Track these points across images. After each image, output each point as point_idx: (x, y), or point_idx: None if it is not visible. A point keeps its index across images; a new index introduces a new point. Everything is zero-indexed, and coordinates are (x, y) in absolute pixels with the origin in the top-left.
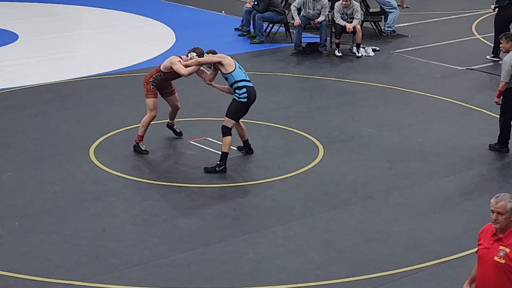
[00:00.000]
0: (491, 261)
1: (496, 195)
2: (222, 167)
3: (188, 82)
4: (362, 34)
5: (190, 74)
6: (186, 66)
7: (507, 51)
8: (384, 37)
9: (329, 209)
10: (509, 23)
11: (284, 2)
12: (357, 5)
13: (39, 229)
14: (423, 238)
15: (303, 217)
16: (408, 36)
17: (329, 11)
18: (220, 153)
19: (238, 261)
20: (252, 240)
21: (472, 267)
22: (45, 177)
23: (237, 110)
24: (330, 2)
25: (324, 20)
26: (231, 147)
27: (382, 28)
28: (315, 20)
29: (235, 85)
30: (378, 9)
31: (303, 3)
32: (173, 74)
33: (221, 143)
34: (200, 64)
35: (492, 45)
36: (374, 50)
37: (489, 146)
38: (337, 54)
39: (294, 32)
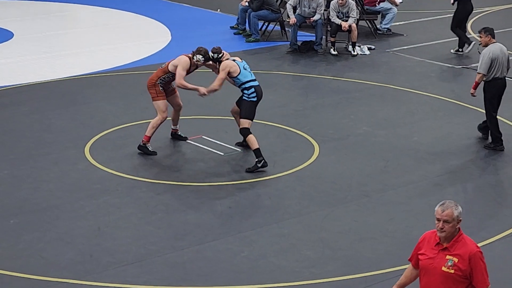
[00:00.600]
0: (439, 272)
1: (441, 202)
2: (262, 161)
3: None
4: (358, 33)
5: (181, 87)
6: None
7: (486, 45)
8: (380, 35)
9: (324, 207)
10: (467, 17)
11: (279, 0)
12: (352, 3)
13: (34, 227)
14: (417, 237)
15: (298, 215)
16: (403, 35)
17: (324, 10)
18: (215, 151)
19: (233, 259)
20: (247, 238)
21: None
22: (40, 175)
23: (251, 110)
24: (325, 1)
25: (320, 18)
26: (229, 146)
27: (378, 26)
28: (311, 18)
29: (243, 86)
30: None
31: (299, 1)
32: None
33: (216, 141)
34: (221, 82)
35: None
36: (369, 49)
37: (484, 146)
38: (333, 52)
39: (290, 30)
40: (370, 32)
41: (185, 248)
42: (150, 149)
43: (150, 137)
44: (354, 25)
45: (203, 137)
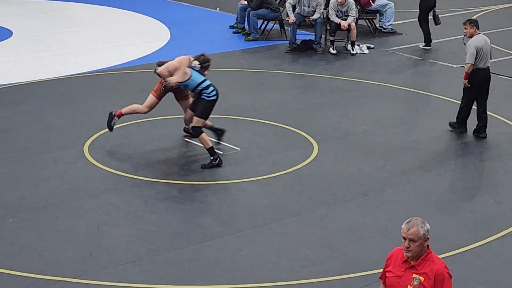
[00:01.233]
0: None
1: (407, 220)
2: (217, 160)
3: None
4: (357, 32)
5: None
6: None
7: (471, 36)
8: (380, 34)
9: (323, 207)
10: (430, 10)
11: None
12: (352, 2)
13: (33, 225)
14: None
15: (297, 215)
16: (402, 34)
17: (324, 9)
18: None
19: (232, 258)
20: (246, 237)
21: (466, 264)
22: (39, 174)
23: (207, 109)
24: (325, 0)
25: (319, 17)
26: (229, 145)
27: (377, 25)
28: (310, 17)
29: (200, 87)
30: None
31: (298, 0)
32: None
33: (215, 140)
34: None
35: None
36: (368, 48)
37: (449, 123)
38: (332, 51)
39: (289, 29)
40: (369, 31)
41: (184, 247)
42: (113, 123)
43: (122, 115)
44: (353, 24)
45: None
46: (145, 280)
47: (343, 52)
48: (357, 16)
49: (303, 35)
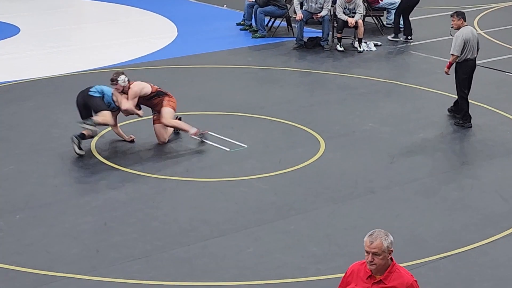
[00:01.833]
0: None
1: (370, 233)
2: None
3: (189, 77)
4: (364, 29)
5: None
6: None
7: (458, 28)
8: (387, 31)
9: (330, 204)
10: (412, 8)
11: None
12: (359, 0)
13: (40, 222)
14: (423, 233)
15: (304, 212)
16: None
17: (331, 6)
18: (221, 147)
19: (239, 255)
20: (253, 234)
21: (473, 262)
22: (46, 171)
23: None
24: None
25: (326, 14)
26: (235, 142)
27: (385, 23)
28: (317, 14)
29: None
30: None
31: None
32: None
33: (222, 137)
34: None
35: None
36: (375, 45)
37: (454, 123)
38: (339, 48)
39: (296, 26)
40: (376, 28)
41: (191, 244)
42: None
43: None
44: (360, 21)
45: (209, 132)
46: (152, 276)
47: (350, 49)
48: (364, 14)
49: (311, 32)
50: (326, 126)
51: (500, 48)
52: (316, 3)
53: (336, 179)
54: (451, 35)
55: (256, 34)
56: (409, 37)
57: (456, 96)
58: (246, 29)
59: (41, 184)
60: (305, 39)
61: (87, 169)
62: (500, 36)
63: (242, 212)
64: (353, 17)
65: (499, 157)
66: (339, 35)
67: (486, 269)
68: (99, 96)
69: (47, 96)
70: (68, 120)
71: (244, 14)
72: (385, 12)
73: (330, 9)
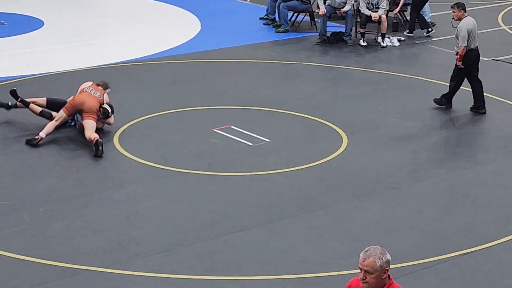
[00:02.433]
0: None
1: (366, 249)
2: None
3: (211, 71)
4: (387, 24)
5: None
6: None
7: (459, 19)
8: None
9: (352, 199)
10: (424, 3)
11: None
12: None
13: (63, 215)
14: (445, 229)
15: (326, 207)
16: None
17: (354, 1)
18: (243, 141)
19: (261, 250)
20: (275, 229)
21: (495, 258)
22: (69, 164)
23: None
24: None
25: (350, 9)
26: (258, 136)
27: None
28: (341, 9)
29: None
30: None
31: None
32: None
33: (245, 131)
34: None
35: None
36: (399, 40)
37: (434, 100)
38: (362, 43)
39: (319, 21)
40: (400, 23)
41: (213, 238)
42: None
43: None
44: (384, 16)
45: (232, 127)
46: (173, 270)
47: (374, 45)
48: (387, 8)
49: (334, 27)
50: (349, 121)
51: None
52: None
53: (358, 174)
54: (453, 26)
55: (279, 29)
56: (430, 29)
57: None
58: (269, 24)
59: (64, 178)
60: (328, 34)
61: (109, 163)
62: None
63: (264, 206)
64: (376, 12)
65: None
66: (362, 30)
67: (508, 265)
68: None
69: (70, 90)
70: None
71: (268, 9)
72: (408, 7)
73: (353, 4)
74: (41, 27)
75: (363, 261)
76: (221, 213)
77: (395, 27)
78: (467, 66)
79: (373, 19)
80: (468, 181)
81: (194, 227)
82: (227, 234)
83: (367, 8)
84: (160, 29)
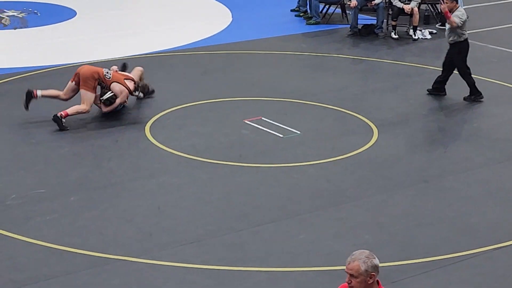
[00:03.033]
0: None
1: (353, 253)
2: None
3: (242, 63)
4: (420, 17)
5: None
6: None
7: (451, 10)
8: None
9: (383, 192)
10: None
11: None
12: None
13: (94, 204)
14: (476, 224)
15: (356, 199)
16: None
17: None
18: (274, 133)
19: (291, 242)
20: (305, 221)
21: None
22: (100, 153)
23: None
24: None
25: (381, 2)
26: (288, 128)
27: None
28: (372, 1)
29: None
30: None
31: None
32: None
33: (275, 123)
34: None
35: None
36: (431, 33)
37: (464, 98)
38: (394, 36)
39: (351, 13)
40: (431, 16)
41: (243, 229)
42: (63, 124)
43: (68, 115)
44: (416, 8)
45: (263, 118)
46: (204, 261)
47: (405, 37)
48: (419, 1)
49: (365, 19)
50: (379, 114)
51: None
52: None
53: (389, 167)
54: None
55: (310, 21)
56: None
57: (443, 75)
58: (301, 16)
59: (95, 167)
60: (359, 27)
61: (141, 153)
62: None
63: (294, 198)
64: (408, 4)
65: None
66: (394, 23)
67: None
68: None
69: None
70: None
71: (299, 1)
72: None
73: None
74: (73, 17)
75: (348, 264)
76: (251, 205)
77: (426, 20)
78: (465, 54)
79: (406, 11)
80: (500, 175)
81: (225, 218)
82: (257, 225)
83: (399, 0)
84: (191, 20)
